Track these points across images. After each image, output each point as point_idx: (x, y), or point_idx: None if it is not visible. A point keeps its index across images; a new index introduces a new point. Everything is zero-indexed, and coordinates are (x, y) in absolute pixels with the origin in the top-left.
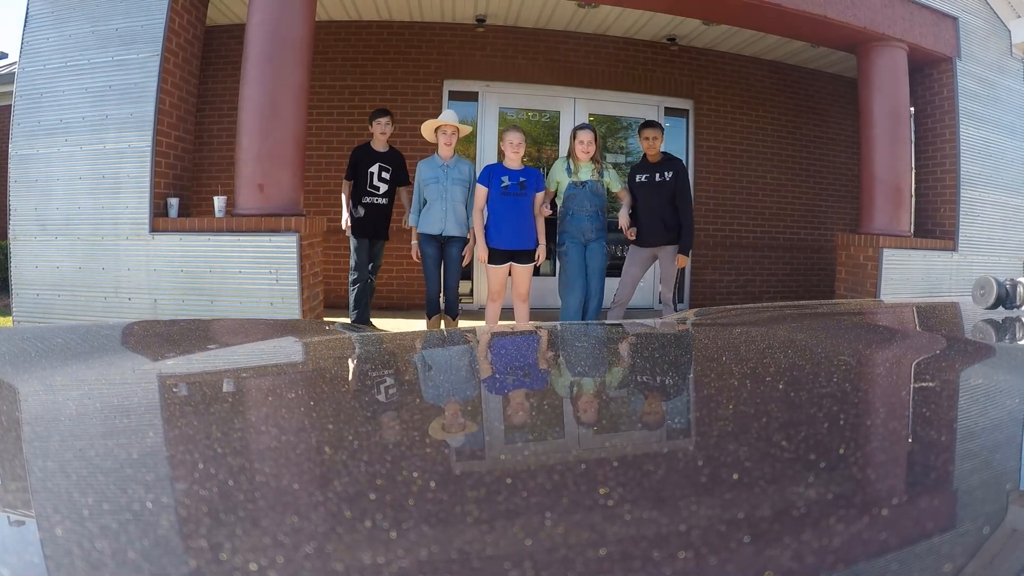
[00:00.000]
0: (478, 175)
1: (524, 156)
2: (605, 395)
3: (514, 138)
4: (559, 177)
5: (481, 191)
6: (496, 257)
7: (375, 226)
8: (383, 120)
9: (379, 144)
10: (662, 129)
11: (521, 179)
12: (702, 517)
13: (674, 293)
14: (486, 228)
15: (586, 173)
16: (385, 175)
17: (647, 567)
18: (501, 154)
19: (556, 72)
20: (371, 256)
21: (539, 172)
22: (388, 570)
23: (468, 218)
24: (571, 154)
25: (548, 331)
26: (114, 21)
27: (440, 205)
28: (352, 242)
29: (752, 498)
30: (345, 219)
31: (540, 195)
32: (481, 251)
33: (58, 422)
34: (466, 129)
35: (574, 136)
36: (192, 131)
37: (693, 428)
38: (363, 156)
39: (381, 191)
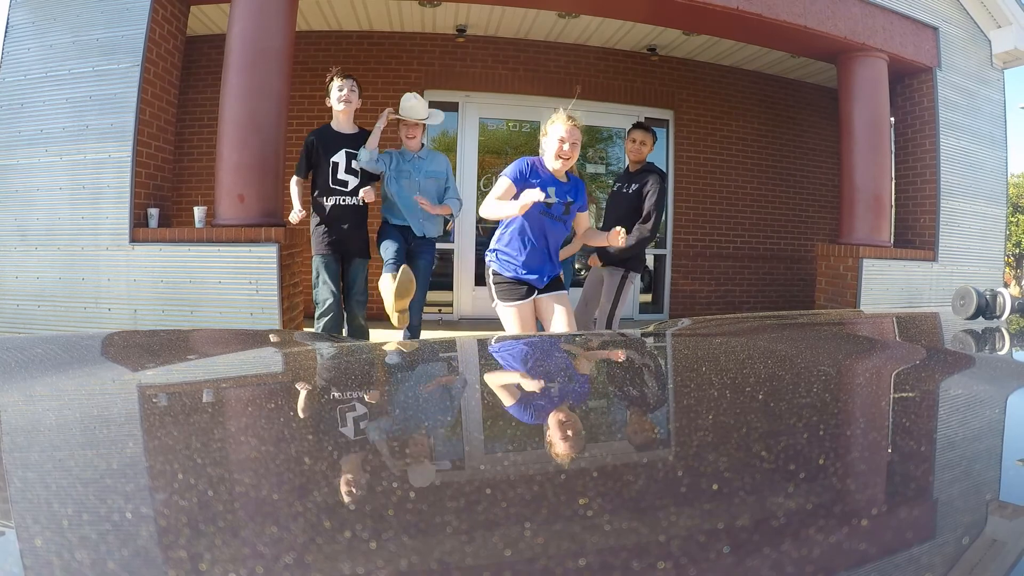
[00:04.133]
0: (511, 165)
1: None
2: (584, 405)
3: (568, 133)
4: None
5: (508, 188)
6: (516, 292)
7: (345, 237)
8: (347, 84)
9: (342, 123)
10: (652, 133)
11: (569, 197)
12: (681, 527)
13: (610, 317)
14: (502, 252)
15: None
16: (355, 165)
17: None
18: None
19: (536, 82)
20: (346, 279)
21: (582, 184)
22: None
23: (436, 228)
24: None
25: (528, 341)
26: (95, 31)
27: (410, 209)
28: (314, 261)
29: (732, 508)
30: (296, 211)
31: (584, 216)
32: (527, 195)
33: (38, 432)
34: (438, 117)
35: None
36: (172, 141)
37: (672, 438)
38: (320, 142)
39: (350, 186)
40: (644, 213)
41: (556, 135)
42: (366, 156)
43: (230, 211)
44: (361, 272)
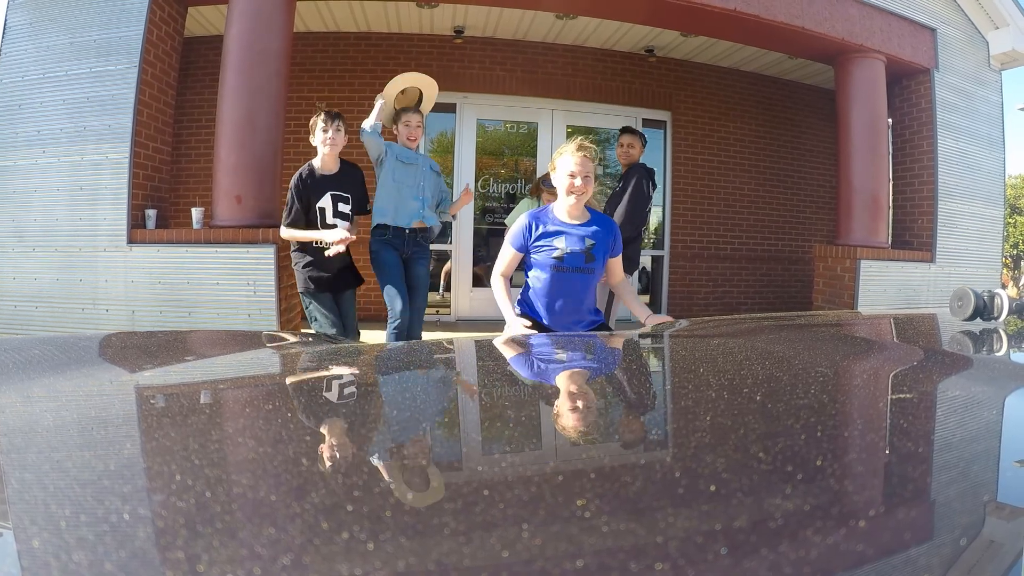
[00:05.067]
0: (513, 226)
1: (503, 169)
2: (582, 406)
3: (579, 166)
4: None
5: (513, 257)
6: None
7: (336, 277)
8: (334, 125)
9: (328, 163)
10: (640, 136)
11: (588, 240)
12: (679, 529)
13: (607, 316)
14: (528, 308)
15: None
16: (343, 207)
17: None
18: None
19: (534, 84)
20: (340, 314)
21: (611, 223)
22: None
23: (436, 219)
24: (538, 196)
25: (525, 342)
26: (92, 32)
27: (417, 193)
28: (305, 300)
29: (730, 510)
30: (334, 237)
31: (616, 262)
32: (516, 325)
33: (35, 434)
34: (431, 89)
35: (539, 186)
36: (170, 142)
37: (670, 440)
38: (308, 187)
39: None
40: (621, 210)
41: (565, 170)
42: (371, 125)
43: (228, 212)
44: (351, 304)
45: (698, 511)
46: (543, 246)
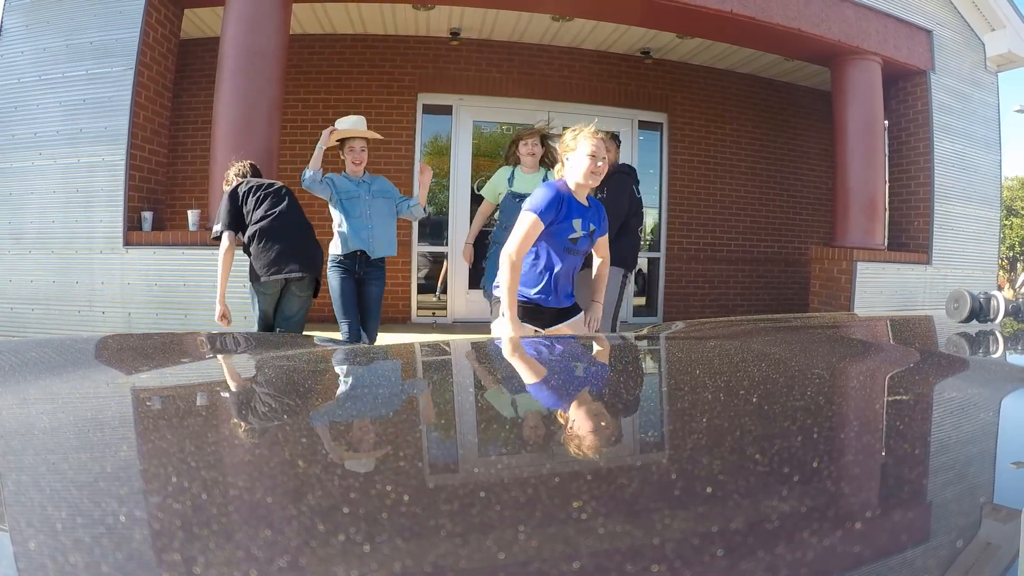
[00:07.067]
0: (541, 197)
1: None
2: (578, 408)
3: (597, 147)
4: (500, 187)
5: (535, 225)
6: (524, 312)
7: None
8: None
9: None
10: (613, 138)
11: (591, 224)
12: (676, 530)
13: (614, 318)
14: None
15: (531, 183)
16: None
17: None
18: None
19: (530, 85)
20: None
21: (600, 204)
22: None
23: (393, 235)
24: (515, 161)
25: (523, 344)
26: (88, 35)
27: (363, 223)
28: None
29: (726, 511)
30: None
31: (603, 241)
32: (516, 328)
33: (31, 436)
34: (373, 135)
35: (519, 142)
36: (166, 144)
37: (667, 442)
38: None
39: None
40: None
41: (585, 151)
42: (310, 175)
43: None
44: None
45: (695, 513)
46: (562, 228)
